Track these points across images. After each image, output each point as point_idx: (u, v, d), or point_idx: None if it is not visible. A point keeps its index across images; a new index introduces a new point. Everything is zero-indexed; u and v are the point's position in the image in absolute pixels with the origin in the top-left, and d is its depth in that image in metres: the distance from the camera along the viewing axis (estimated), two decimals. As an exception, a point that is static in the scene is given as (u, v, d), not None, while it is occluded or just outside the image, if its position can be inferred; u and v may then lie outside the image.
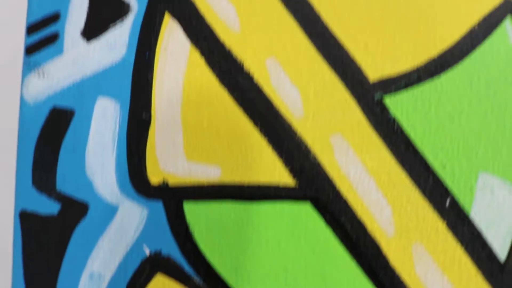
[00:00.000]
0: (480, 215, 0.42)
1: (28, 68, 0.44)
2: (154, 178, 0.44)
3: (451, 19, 0.43)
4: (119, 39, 0.44)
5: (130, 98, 0.43)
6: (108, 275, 0.44)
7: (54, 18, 0.44)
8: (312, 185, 0.43)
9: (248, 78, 0.43)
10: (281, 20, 0.43)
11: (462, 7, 0.43)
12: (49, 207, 0.44)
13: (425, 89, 0.43)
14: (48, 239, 0.44)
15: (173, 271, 0.43)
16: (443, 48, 0.43)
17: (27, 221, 0.45)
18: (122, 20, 0.44)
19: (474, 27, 0.43)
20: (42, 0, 0.45)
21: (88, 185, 0.44)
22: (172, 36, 0.43)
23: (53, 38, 0.44)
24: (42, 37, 0.44)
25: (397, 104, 0.43)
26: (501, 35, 0.43)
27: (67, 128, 0.44)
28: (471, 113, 0.43)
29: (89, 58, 0.44)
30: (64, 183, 0.44)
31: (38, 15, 0.45)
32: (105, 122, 0.44)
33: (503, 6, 0.43)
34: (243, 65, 0.43)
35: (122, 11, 0.44)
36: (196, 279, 0.43)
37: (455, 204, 0.42)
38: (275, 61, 0.43)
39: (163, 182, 0.43)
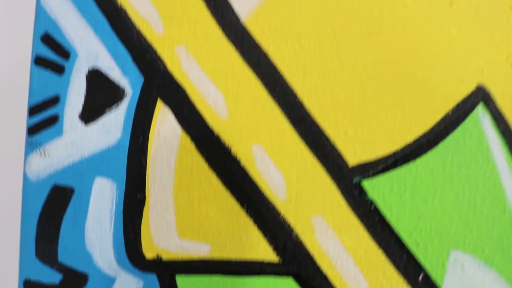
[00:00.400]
0: (451, 289, 0.46)
1: (30, 147, 0.47)
2: (149, 253, 0.47)
3: (426, 106, 0.46)
4: (114, 123, 0.47)
5: (126, 179, 0.47)
6: None
7: (54, 101, 0.47)
8: (295, 261, 0.46)
9: (235, 162, 0.46)
10: (266, 108, 0.46)
11: (437, 94, 0.46)
12: (51, 277, 0.48)
13: (401, 172, 0.46)
14: (51, 305, 0.48)
15: (166, 337, 0.47)
16: (419, 134, 0.46)
17: (31, 289, 0.48)
18: (118, 105, 0.47)
19: (448, 114, 0.46)
20: (42, 84, 0.48)
21: (88, 257, 0.47)
22: (164, 121, 0.46)
23: (53, 120, 0.47)
24: (43, 119, 0.47)
25: (374, 187, 0.46)
26: (473, 121, 0.46)
27: (68, 204, 0.47)
28: (444, 195, 0.46)
29: (87, 140, 0.47)
30: (65, 255, 0.48)
31: (39, 98, 0.48)
32: (102, 200, 0.47)
33: (475, 93, 0.46)
34: (230, 150, 0.46)
35: (117, 96, 0.47)
36: None
37: (427, 279, 0.46)
38: (260, 147, 0.46)
39: (157, 257, 0.47)
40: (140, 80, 0.47)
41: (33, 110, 0.48)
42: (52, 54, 0.48)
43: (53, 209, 0.48)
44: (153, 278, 0.47)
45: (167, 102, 0.46)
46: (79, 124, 0.47)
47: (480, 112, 0.46)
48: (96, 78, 0.47)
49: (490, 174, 0.46)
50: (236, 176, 0.46)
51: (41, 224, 0.48)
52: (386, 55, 0.46)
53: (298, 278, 0.46)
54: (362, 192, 0.46)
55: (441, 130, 0.46)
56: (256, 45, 0.46)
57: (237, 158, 0.46)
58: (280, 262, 0.46)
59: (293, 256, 0.46)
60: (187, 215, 0.46)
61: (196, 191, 0.46)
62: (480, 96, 0.46)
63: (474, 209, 0.46)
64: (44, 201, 0.48)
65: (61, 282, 0.48)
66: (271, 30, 0.46)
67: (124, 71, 0.47)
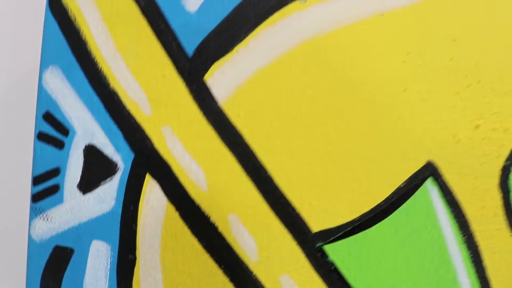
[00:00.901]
0: (402, 337, 0.53)
1: (34, 213, 0.54)
2: (139, 305, 0.54)
3: (381, 180, 0.52)
4: (108, 193, 0.53)
5: (119, 241, 0.53)
6: None
7: (55, 172, 0.54)
8: (266, 314, 0.53)
9: (214, 229, 0.52)
10: (241, 182, 0.52)
11: (391, 170, 0.52)
12: (54, 325, 0.55)
13: (358, 238, 0.53)
14: None
15: None
16: (374, 204, 0.52)
17: (37, 335, 0.55)
18: (111, 178, 0.53)
19: (400, 186, 0.52)
20: (44, 157, 0.54)
21: (86, 309, 0.54)
22: (152, 193, 0.53)
23: (55, 189, 0.54)
24: (45, 188, 0.54)
25: (335, 250, 0.52)
26: (423, 192, 0.53)
27: (68, 263, 0.54)
28: (396, 257, 0.53)
29: (84, 207, 0.54)
30: (66, 306, 0.55)
31: (42, 169, 0.54)
32: (99, 260, 0.53)
33: (425, 168, 0.52)
34: (209, 218, 0.52)
35: (111, 170, 0.53)
36: None
37: (381, 329, 0.53)
38: (235, 216, 0.52)
39: (146, 309, 0.54)
40: (131, 156, 0.53)
41: (36, 180, 0.54)
42: (53, 131, 0.54)
43: (55, 267, 0.54)
44: (143, 327, 0.54)
45: (155, 176, 0.53)
46: (78, 193, 0.54)
47: (429, 185, 0.52)
48: (92, 153, 0.53)
49: (437, 239, 0.52)
50: (215, 241, 0.53)
51: (44, 280, 0.54)
52: (346, 135, 0.52)
53: (268, 329, 0.53)
54: (323, 254, 0.52)
55: (394, 200, 0.52)
56: (232, 127, 0.52)
57: (216, 225, 0.52)
58: (253, 315, 0.53)
59: (264, 309, 0.53)
60: (173, 274, 0.53)
61: (180, 253, 0.53)
62: (430, 171, 0.52)
63: (422, 269, 0.52)
64: (46, 259, 0.54)
65: (63, 329, 0.55)
66: (245, 114, 0.52)
67: (117, 148, 0.53)
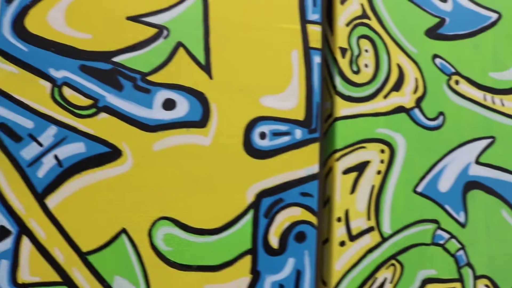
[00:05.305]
0: None
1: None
2: None
3: (106, 230, 1.45)
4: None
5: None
6: None
7: None
8: None
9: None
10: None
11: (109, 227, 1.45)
12: None
13: (101, 253, 1.46)
14: None
15: None
16: (102, 243, 1.46)
17: None
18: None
19: (114, 236, 1.46)
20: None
21: None
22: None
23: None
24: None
25: (92, 257, 1.46)
26: (121, 241, 1.47)
27: None
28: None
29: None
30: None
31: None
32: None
33: (121, 231, 1.46)
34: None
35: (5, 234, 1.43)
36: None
37: None
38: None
39: None
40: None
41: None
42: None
43: None
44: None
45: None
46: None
47: (124, 237, 1.46)
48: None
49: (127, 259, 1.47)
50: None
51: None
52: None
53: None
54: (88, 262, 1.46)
55: (112, 240, 1.46)
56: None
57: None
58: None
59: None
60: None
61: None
62: (124, 231, 1.46)
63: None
64: None
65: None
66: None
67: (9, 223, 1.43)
